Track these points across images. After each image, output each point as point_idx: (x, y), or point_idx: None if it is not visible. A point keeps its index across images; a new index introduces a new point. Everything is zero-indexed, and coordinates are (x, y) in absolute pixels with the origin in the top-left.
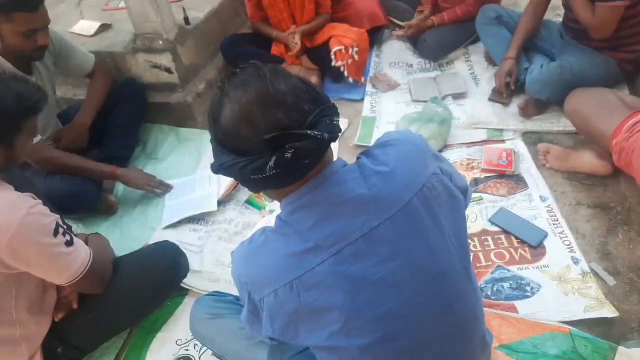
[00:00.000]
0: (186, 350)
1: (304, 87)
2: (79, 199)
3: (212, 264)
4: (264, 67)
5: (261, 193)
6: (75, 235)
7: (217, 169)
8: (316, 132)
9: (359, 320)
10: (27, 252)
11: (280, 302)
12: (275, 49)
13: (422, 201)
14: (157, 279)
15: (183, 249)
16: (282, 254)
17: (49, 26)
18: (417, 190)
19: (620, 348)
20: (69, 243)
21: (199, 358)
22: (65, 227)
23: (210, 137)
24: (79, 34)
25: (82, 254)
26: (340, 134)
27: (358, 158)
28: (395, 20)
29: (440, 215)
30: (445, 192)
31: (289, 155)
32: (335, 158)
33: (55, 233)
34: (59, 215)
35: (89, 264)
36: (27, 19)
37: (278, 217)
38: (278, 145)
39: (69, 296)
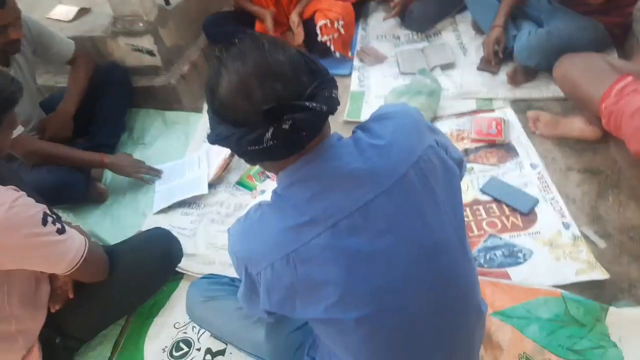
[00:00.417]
0: (185, 333)
1: (303, 59)
2: (68, 190)
3: (205, 247)
4: (263, 38)
5: (258, 166)
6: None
7: (214, 139)
8: (314, 104)
9: (355, 293)
10: (17, 248)
11: (277, 275)
12: (259, 26)
13: (417, 174)
14: (151, 267)
15: (176, 234)
16: (279, 228)
17: (25, 14)
18: (413, 162)
19: (611, 308)
20: (61, 231)
21: (198, 340)
22: (54, 216)
23: (207, 108)
24: (57, 20)
25: (76, 240)
26: (338, 107)
27: (354, 132)
28: None
29: (436, 187)
30: (440, 164)
31: (287, 126)
32: None
33: (44, 222)
34: (46, 205)
35: (86, 250)
36: None
37: (274, 192)
38: (276, 117)
39: (64, 286)
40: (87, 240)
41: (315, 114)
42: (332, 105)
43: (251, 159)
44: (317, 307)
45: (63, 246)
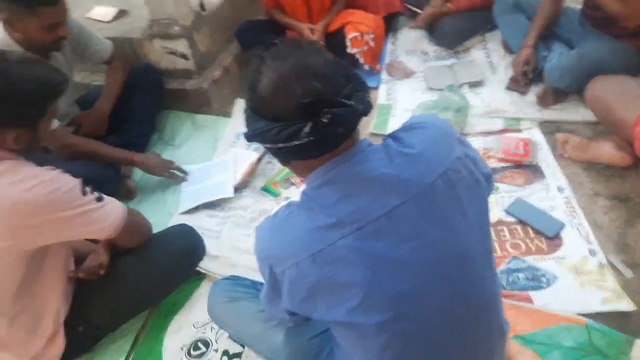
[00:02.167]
0: (203, 333)
1: (338, 63)
2: (99, 184)
3: (229, 250)
4: (302, 41)
5: (288, 167)
6: None
7: (251, 135)
8: (352, 102)
9: (377, 297)
10: (63, 219)
11: (301, 274)
12: (290, 35)
13: (446, 184)
14: (174, 260)
15: (200, 234)
16: (306, 228)
17: None
18: (442, 172)
19: (638, 341)
20: (100, 199)
21: (216, 341)
22: (91, 186)
23: (244, 107)
24: (96, 20)
25: (116, 206)
26: (371, 110)
27: (384, 140)
28: (411, 7)
29: (463, 198)
30: (469, 176)
31: (326, 120)
32: None
33: (84, 193)
34: (80, 179)
35: (126, 214)
36: (50, 13)
37: (303, 193)
38: (315, 111)
39: (97, 267)
40: (125, 206)
41: (352, 111)
42: (367, 106)
43: (284, 157)
44: (339, 310)
45: (104, 211)
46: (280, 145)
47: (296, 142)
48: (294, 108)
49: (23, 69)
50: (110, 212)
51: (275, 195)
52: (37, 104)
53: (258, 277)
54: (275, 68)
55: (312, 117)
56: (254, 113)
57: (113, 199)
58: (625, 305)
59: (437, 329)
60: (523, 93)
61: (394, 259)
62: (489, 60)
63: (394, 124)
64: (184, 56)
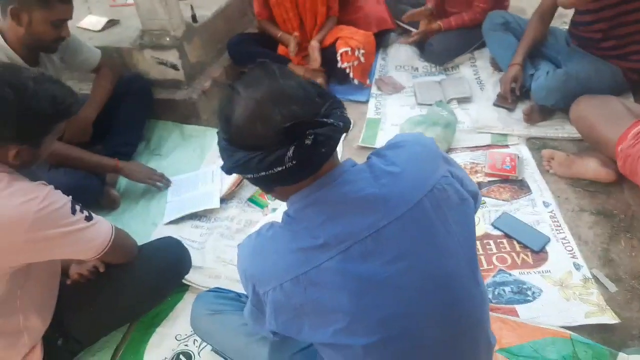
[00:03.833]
0: (185, 345)
1: (311, 83)
2: (82, 193)
3: (213, 261)
4: (272, 65)
5: (272, 194)
6: None
7: (230, 168)
8: (332, 120)
9: (364, 320)
10: (51, 238)
11: (285, 296)
12: (282, 50)
13: (432, 202)
14: (160, 274)
15: (184, 245)
16: (290, 249)
17: None
18: (427, 191)
19: (621, 354)
20: (89, 218)
21: (199, 354)
22: (80, 204)
23: (217, 140)
24: (86, 29)
25: (104, 225)
26: (351, 126)
27: (368, 158)
28: (403, 25)
29: (449, 217)
30: (455, 194)
31: (309, 142)
32: (340, 158)
33: (74, 211)
34: (70, 197)
35: (113, 233)
36: (62, 8)
37: (286, 214)
38: (297, 134)
39: (83, 276)
40: (113, 226)
41: (334, 129)
42: (346, 122)
43: (267, 184)
44: (325, 331)
45: (92, 231)
46: (263, 173)
47: (279, 168)
48: (274, 135)
49: (38, 87)
50: (98, 233)
51: (262, 206)
52: (47, 123)
53: (242, 289)
54: (249, 96)
55: (294, 142)
56: (230, 144)
57: (102, 218)
58: (609, 318)
59: (425, 348)
60: (510, 110)
61: (381, 281)
62: (478, 77)
63: (382, 138)
64: (174, 67)
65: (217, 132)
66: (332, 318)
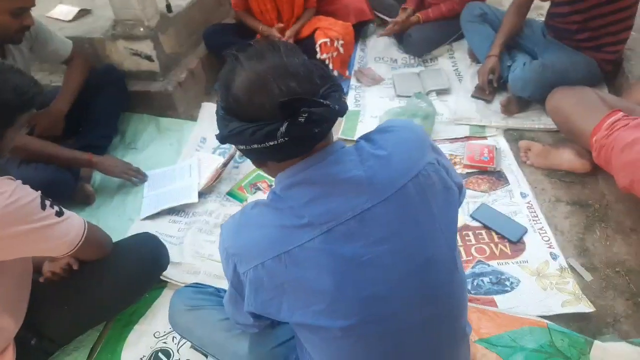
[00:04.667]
0: (164, 343)
1: (314, 64)
2: (54, 188)
3: (191, 256)
4: (278, 42)
5: (262, 169)
6: None
7: (224, 137)
8: (328, 102)
9: (344, 301)
10: (21, 234)
11: (267, 274)
12: (260, 40)
13: (416, 187)
14: (137, 271)
15: (162, 241)
16: (274, 227)
17: None
18: (413, 176)
19: (596, 342)
20: (60, 213)
21: (177, 351)
22: (50, 200)
23: (216, 108)
24: (57, 19)
25: (76, 220)
26: (347, 110)
27: (357, 142)
28: (381, 16)
29: (433, 203)
30: (440, 182)
31: (302, 120)
32: None
33: (43, 207)
34: (40, 192)
35: (86, 228)
36: None
37: (272, 191)
38: (292, 110)
39: (56, 274)
40: (85, 221)
41: (329, 111)
42: (343, 106)
43: (258, 158)
44: (304, 312)
45: (63, 227)
46: (255, 146)
47: (271, 143)
48: (270, 108)
49: (0, 77)
50: (70, 228)
51: (241, 200)
52: (9, 114)
53: (221, 284)
54: (252, 68)
55: (288, 117)
56: (227, 114)
57: (73, 213)
58: (585, 307)
59: (402, 332)
60: (488, 101)
61: (364, 262)
62: (456, 68)
63: (361, 130)
64: (148, 57)
65: (217, 101)
66: (313, 298)
